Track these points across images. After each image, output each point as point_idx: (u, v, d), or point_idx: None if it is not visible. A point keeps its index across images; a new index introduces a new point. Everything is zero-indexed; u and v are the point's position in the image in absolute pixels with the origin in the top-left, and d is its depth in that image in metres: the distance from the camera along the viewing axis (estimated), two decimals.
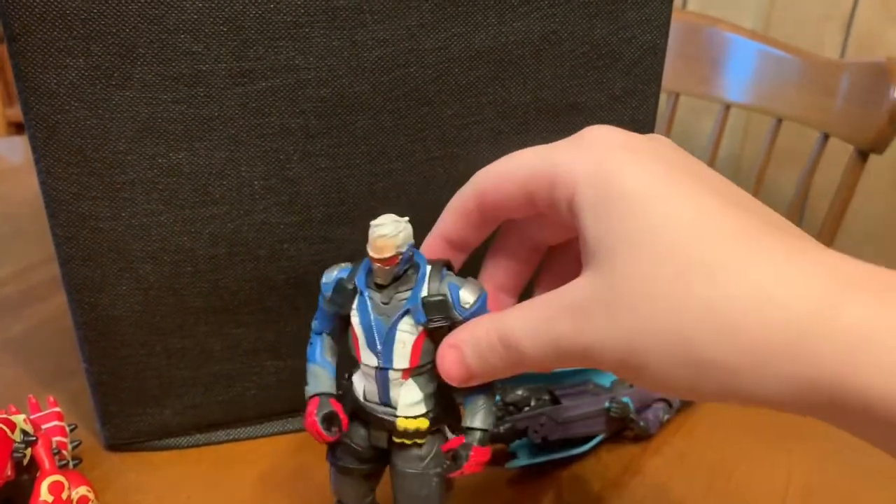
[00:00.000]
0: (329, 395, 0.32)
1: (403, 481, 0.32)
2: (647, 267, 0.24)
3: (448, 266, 0.31)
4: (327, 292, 0.31)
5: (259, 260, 0.41)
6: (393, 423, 0.31)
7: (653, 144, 0.27)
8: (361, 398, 0.32)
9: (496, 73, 0.40)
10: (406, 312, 0.30)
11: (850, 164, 0.88)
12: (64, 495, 0.36)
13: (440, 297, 0.29)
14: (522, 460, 0.42)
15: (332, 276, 0.31)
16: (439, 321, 0.30)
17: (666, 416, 0.46)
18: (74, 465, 0.41)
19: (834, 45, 1.27)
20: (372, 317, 0.30)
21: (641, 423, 0.44)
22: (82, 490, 0.38)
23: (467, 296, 0.30)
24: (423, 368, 0.30)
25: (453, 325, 0.30)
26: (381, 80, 0.38)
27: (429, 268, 0.30)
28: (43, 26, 0.34)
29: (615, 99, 0.43)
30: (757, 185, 1.02)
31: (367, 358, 0.30)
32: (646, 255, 0.24)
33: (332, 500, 0.35)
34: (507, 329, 0.27)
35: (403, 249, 0.29)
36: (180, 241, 0.40)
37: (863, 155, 0.86)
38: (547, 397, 0.44)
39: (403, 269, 0.30)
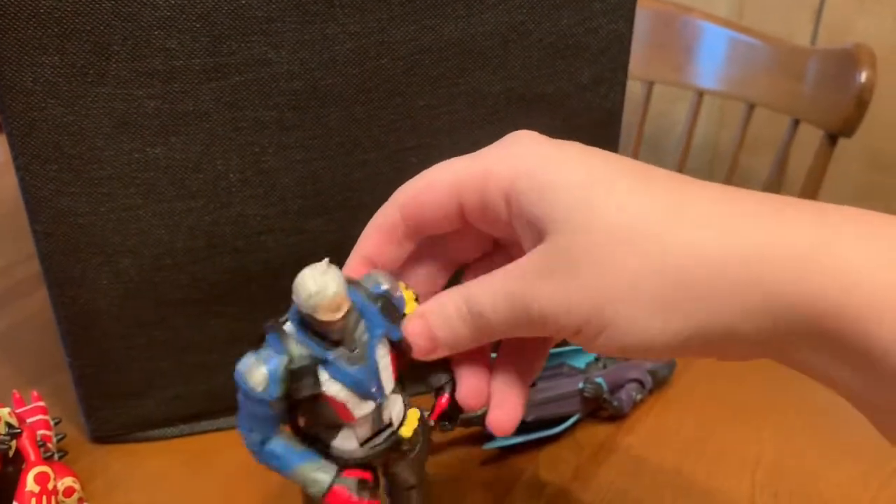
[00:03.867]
0: (339, 472, 0.29)
1: (414, 462, 0.32)
2: (604, 226, 0.25)
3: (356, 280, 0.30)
4: (274, 395, 0.27)
5: (237, 252, 0.42)
6: (397, 440, 0.30)
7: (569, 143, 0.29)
8: (360, 448, 0.30)
9: (466, 63, 0.41)
10: (375, 340, 0.28)
11: (820, 148, 0.90)
12: (50, 486, 0.37)
13: (387, 299, 0.29)
14: (499, 441, 0.44)
15: (263, 374, 0.27)
16: (389, 323, 0.29)
17: (639, 396, 0.47)
18: (60, 458, 0.42)
19: (805, 33, 1.29)
20: (352, 372, 0.28)
21: (615, 403, 0.46)
22: (68, 481, 0.39)
23: (388, 285, 0.29)
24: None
25: (397, 318, 0.29)
26: (353, 72, 0.39)
27: (351, 288, 0.28)
28: (17, 25, 0.34)
29: (583, 88, 0.44)
30: (731, 170, 1.04)
31: (362, 410, 0.28)
32: (601, 216, 0.25)
33: None
34: (472, 295, 0.28)
35: (348, 295, 0.27)
36: (159, 234, 0.40)
37: (832, 139, 0.88)
38: None
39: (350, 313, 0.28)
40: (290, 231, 0.42)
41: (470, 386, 0.31)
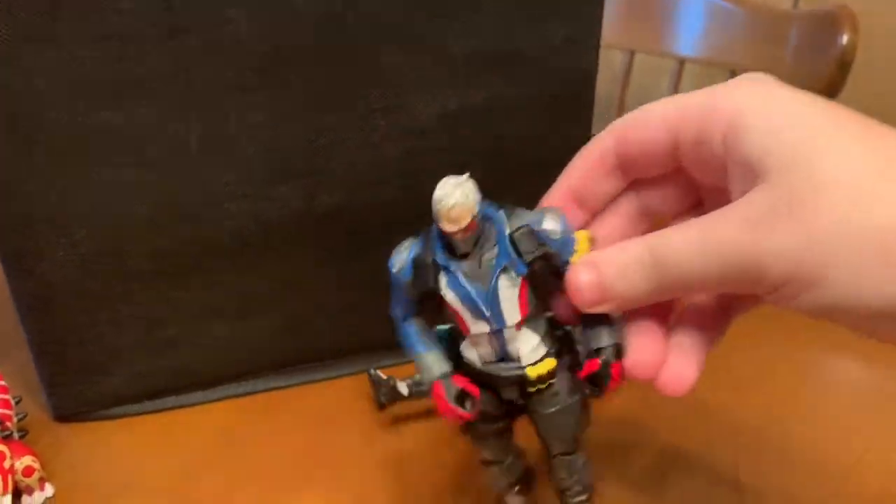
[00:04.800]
0: (448, 374, 0.30)
1: (550, 422, 0.31)
2: (830, 174, 0.23)
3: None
4: (406, 277, 0.30)
5: (200, 221, 0.40)
6: (522, 376, 0.30)
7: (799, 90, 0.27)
8: (479, 365, 0.30)
9: (434, 21, 0.39)
10: (503, 268, 0.28)
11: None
12: (6, 464, 0.36)
13: (525, 232, 0.28)
14: None
15: (403, 258, 0.30)
16: (534, 256, 0.28)
17: None
18: (21, 437, 0.40)
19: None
20: (468, 288, 0.28)
21: None
22: (27, 460, 0.38)
23: (551, 224, 0.29)
24: (533, 313, 0.30)
25: (548, 257, 0.29)
26: (317, 31, 0.38)
27: (501, 212, 0.29)
28: None
29: (556, 48, 0.43)
30: None
31: (477, 328, 0.29)
32: (827, 163, 0.23)
33: (275, 464, 0.36)
34: (662, 245, 0.26)
35: (477, 210, 0.27)
36: (116, 203, 0.39)
37: None
38: None
39: (482, 231, 0.28)
40: (254, 198, 0.41)
41: (642, 352, 0.29)
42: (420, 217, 0.44)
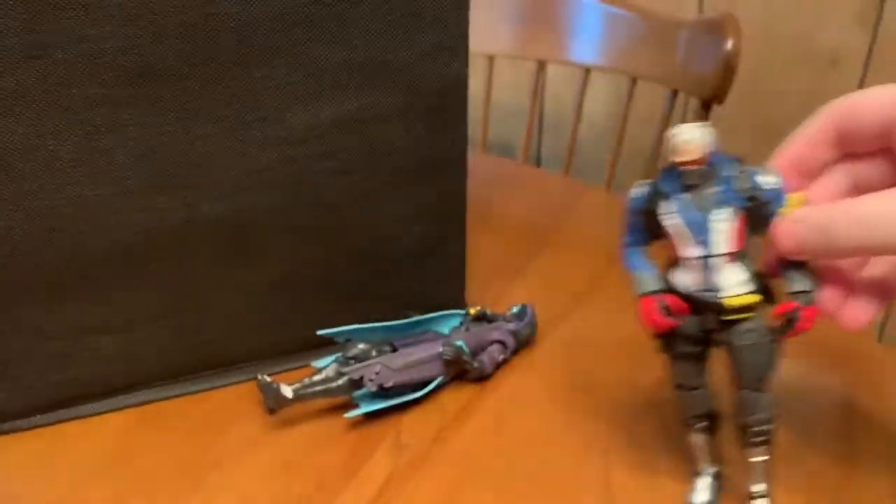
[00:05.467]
0: (659, 291, 0.36)
1: (743, 354, 0.35)
2: None
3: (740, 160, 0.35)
4: (639, 204, 0.36)
5: (81, 234, 0.41)
6: (723, 304, 0.34)
7: None
8: (687, 290, 0.35)
9: (301, 33, 0.41)
10: (722, 202, 0.34)
11: (696, 117, 0.93)
12: None
13: (747, 176, 0.34)
14: (362, 408, 0.44)
15: (640, 190, 0.36)
16: (748, 202, 0.34)
17: (501, 357, 0.48)
18: None
19: (691, 9, 1.33)
20: (690, 213, 0.34)
21: (476, 365, 0.47)
22: None
23: (767, 177, 0.34)
24: (743, 252, 0.35)
25: (760, 205, 0.34)
26: (184, 46, 0.39)
27: (729, 158, 0.34)
28: None
29: (425, 55, 0.44)
30: (619, 144, 1.06)
31: (690, 251, 0.34)
32: None
33: (164, 473, 0.39)
34: (831, 212, 0.32)
35: (709, 149, 0.33)
36: None
37: (706, 107, 0.91)
38: (388, 348, 0.46)
39: (709, 169, 0.34)
40: (133, 209, 0.41)
41: (829, 294, 0.36)
42: (303, 222, 0.45)
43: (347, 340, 0.46)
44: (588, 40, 1.04)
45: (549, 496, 0.40)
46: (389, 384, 0.44)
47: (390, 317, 0.48)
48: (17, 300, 0.42)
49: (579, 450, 0.43)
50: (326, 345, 0.49)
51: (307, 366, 0.48)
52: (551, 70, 1.11)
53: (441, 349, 0.46)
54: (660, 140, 0.99)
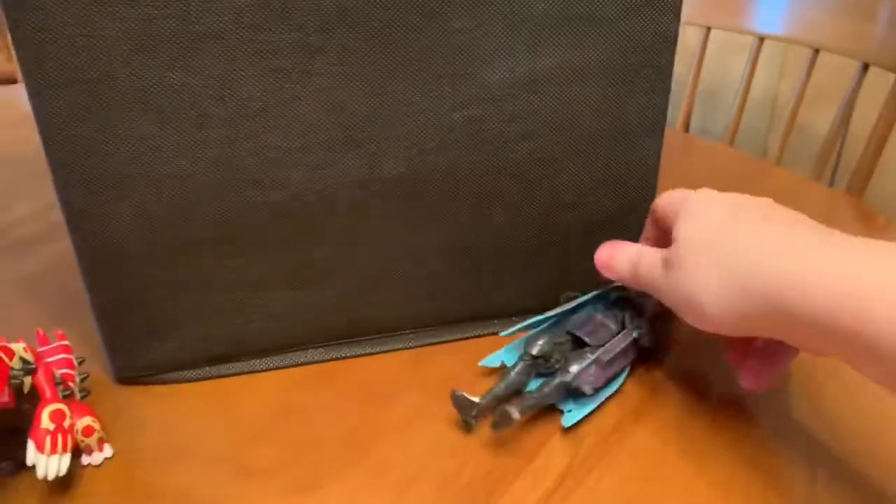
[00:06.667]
0: None
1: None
2: (697, 244, 0.37)
3: None
4: None
5: (261, 186, 0.40)
6: None
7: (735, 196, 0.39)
8: None
9: None
10: None
11: (891, 94, 0.84)
12: (66, 423, 0.36)
13: None
14: (575, 413, 0.40)
15: None
16: None
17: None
18: (83, 398, 0.41)
19: None
20: None
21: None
22: (87, 420, 0.38)
23: None
24: None
25: None
26: None
27: None
28: None
29: (632, 10, 0.40)
30: (790, 125, 0.98)
31: None
32: (698, 237, 0.37)
33: (329, 435, 0.36)
34: (642, 253, 0.41)
35: None
36: (179, 165, 0.38)
37: None
38: (563, 339, 0.43)
39: None
40: (315, 165, 0.40)
41: (730, 354, 0.41)
42: (482, 188, 0.43)
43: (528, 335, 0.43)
44: (765, 7, 0.96)
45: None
46: (601, 383, 0.41)
47: (554, 292, 0.45)
48: (192, 249, 0.41)
49: (779, 451, 0.38)
50: (487, 318, 0.47)
51: (465, 338, 0.47)
52: (716, 40, 1.03)
53: (635, 333, 0.43)
54: (842, 120, 0.91)
